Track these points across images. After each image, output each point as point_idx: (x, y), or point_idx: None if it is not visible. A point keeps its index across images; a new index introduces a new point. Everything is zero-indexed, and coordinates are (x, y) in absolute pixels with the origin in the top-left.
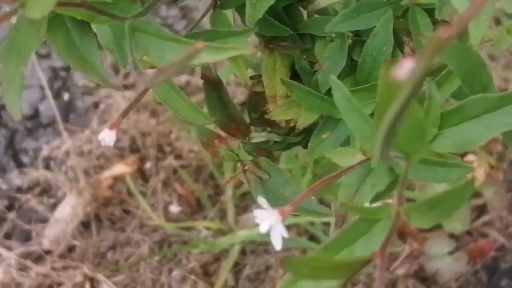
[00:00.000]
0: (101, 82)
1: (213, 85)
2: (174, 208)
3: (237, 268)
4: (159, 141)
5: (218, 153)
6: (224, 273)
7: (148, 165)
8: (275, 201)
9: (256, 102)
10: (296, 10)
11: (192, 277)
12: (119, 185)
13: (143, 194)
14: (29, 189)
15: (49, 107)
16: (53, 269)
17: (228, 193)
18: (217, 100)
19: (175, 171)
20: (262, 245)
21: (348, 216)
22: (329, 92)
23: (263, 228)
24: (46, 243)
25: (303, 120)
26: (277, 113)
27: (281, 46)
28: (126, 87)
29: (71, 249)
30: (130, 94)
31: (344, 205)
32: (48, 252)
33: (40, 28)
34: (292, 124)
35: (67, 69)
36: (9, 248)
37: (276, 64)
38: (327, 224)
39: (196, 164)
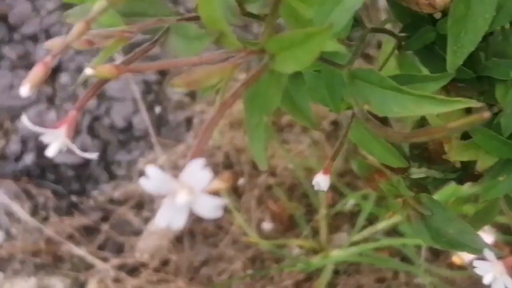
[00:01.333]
0: (311, 126)
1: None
2: (267, 225)
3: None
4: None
5: (378, 187)
6: None
7: (242, 181)
8: (438, 239)
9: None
10: (475, 52)
11: None
12: None
13: (236, 210)
14: (124, 201)
15: (142, 120)
16: (148, 282)
17: (322, 212)
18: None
19: (268, 188)
20: (353, 265)
21: None
22: (510, 136)
23: (487, 280)
24: (140, 256)
25: (482, 163)
26: (454, 154)
27: (459, 87)
28: None
29: (165, 262)
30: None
31: None
32: (143, 264)
33: (281, 79)
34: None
35: (159, 82)
36: (103, 260)
37: None
38: (419, 246)
39: (289, 182)
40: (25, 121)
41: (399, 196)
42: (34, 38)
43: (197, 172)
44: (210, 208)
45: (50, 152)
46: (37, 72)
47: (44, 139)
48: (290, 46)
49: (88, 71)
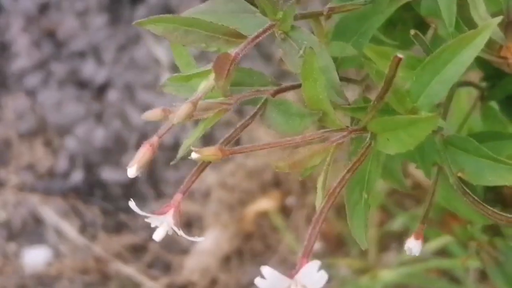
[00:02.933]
0: (400, 188)
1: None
2: (315, 244)
3: None
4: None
5: (452, 230)
6: None
7: (290, 200)
8: None
9: None
10: None
11: None
12: (260, 219)
13: (285, 229)
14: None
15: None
16: None
17: (370, 232)
18: None
19: None
20: (402, 285)
21: None
22: None
23: None
24: (188, 275)
25: None
26: None
27: None
28: None
29: (213, 282)
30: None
31: None
32: (191, 283)
33: (381, 158)
34: None
35: None
36: (152, 278)
37: None
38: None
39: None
40: (133, 206)
41: (473, 240)
42: (82, 55)
43: (313, 274)
44: None
45: (157, 236)
46: (144, 153)
47: (151, 222)
48: (394, 128)
49: (193, 155)
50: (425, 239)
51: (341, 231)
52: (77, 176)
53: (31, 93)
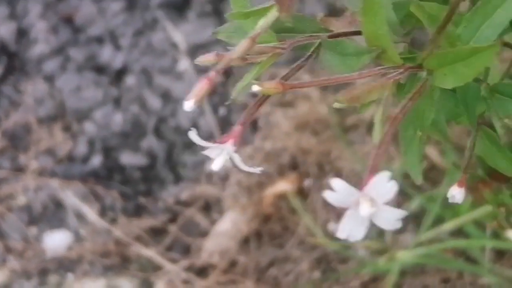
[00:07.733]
0: (444, 140)
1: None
2: (333, 226)
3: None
4: (319, 160)
5: (482, 196)
6: None
7: (307, 183)
8: None
9: None
10: None
11: None
12: (279, 201)
13: (303, 211)
14: (191, 202)
15: (207, 122)
16: (217, 283)
17: None
18: None
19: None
20: (419, 265)
21: None
22: None
23: None
24: (207, 257)
25: None
26: None
27: None
28: (284, 105)
29: (233, 263)
30: (291, 112)
31: None
32: (211, 265)
33: (434, 95)
34: None
35: (224, 84)
36: (172, 261)
37: None
38: (483, 246)
39: (355, 183)
40: (193, 136)
41: (502, 205)
42: (99, 40)
43: (383, 185)
44: (391, 220)
45: (215, 166)
46: (202, 87)
47: (210, 153)
48: (452, 62)
49: (254, 87)
50: (441, 220)
51: None
52: (96, 160)
53: (50, 78)
